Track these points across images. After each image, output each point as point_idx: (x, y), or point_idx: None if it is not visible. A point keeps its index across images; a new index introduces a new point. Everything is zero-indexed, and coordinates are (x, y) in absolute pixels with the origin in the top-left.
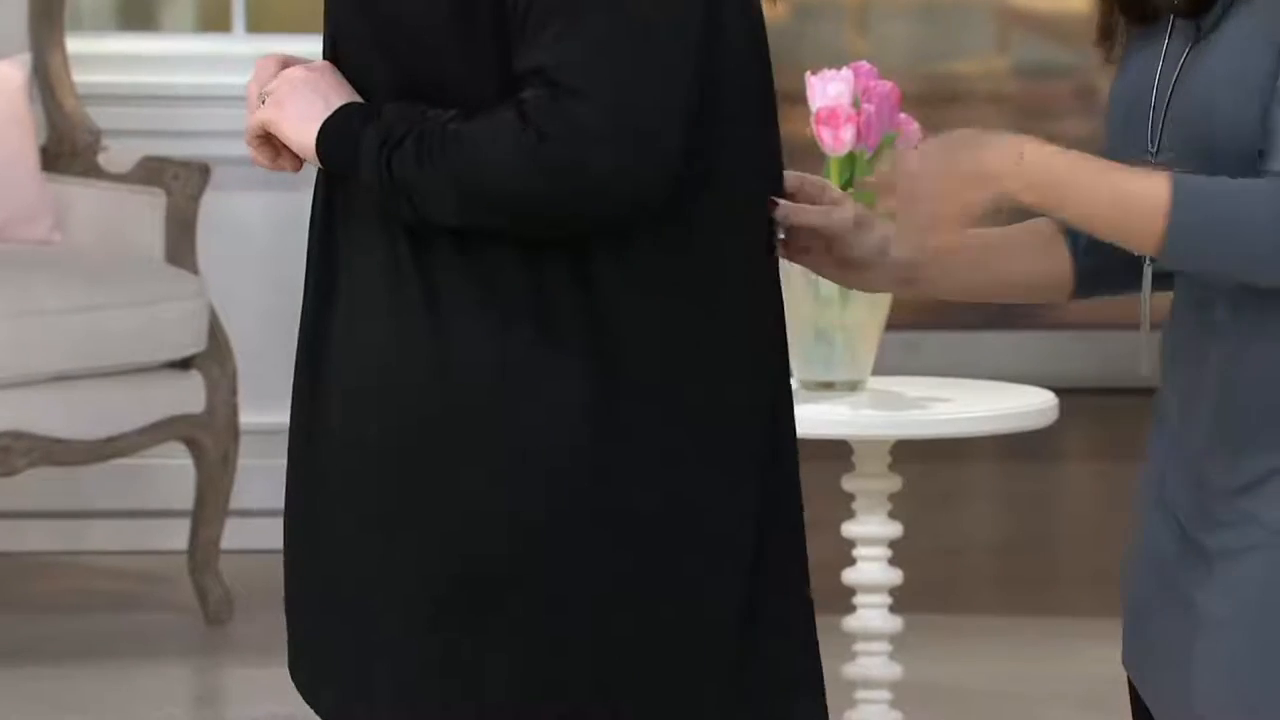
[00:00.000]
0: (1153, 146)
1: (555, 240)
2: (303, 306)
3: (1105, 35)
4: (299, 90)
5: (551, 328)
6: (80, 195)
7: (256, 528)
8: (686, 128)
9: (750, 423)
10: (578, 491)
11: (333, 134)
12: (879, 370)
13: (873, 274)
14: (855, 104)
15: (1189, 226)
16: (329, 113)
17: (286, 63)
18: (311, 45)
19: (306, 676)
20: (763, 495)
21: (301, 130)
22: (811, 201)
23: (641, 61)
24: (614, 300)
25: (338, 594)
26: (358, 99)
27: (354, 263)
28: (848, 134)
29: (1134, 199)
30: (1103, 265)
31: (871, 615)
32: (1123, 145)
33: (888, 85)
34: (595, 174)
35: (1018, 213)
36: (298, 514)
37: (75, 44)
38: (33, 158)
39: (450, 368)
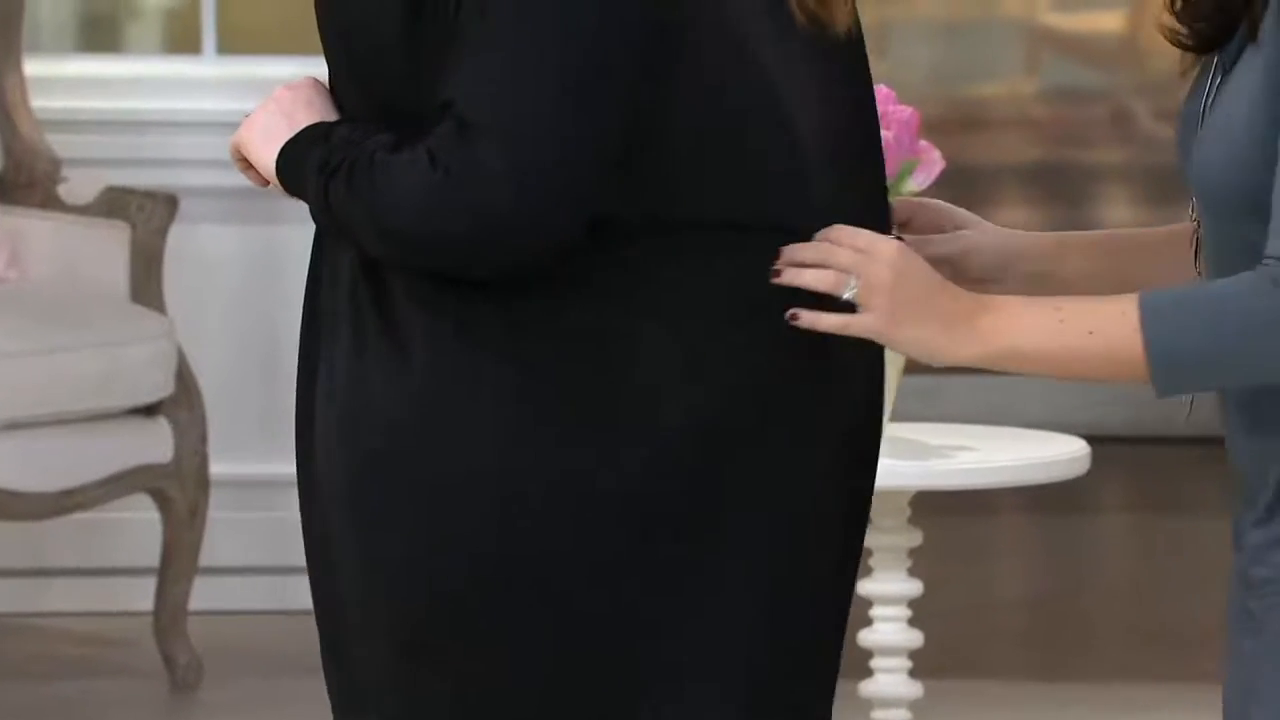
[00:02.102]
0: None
1: (482, 278)
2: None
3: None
4: (268, 109)
5: (482, 373)
6: (38, 228)
7: (227, 587)
8: (605, 166)
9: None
10: (508, 538)
11: (288, 157)
12: (898, 416)
13: (999, 286)
14: None
15: (1169, 346)
16: (292, 133)
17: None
18: (286, 68)
19: None
20: (745, 555)
21: (264, 152)
22: (934, 228)
23: (552, 98)
24: (544, 341)
25: (321, 638)
26: (328, 118)
27: (330, 292)
28: None
29: (1102, 333)
30: None
31: (890, 680)
32: (1184, 177)
33: (908, 110)
34: (498, 215)
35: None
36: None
37: (33, 66)
38: None
39: (378, 408)
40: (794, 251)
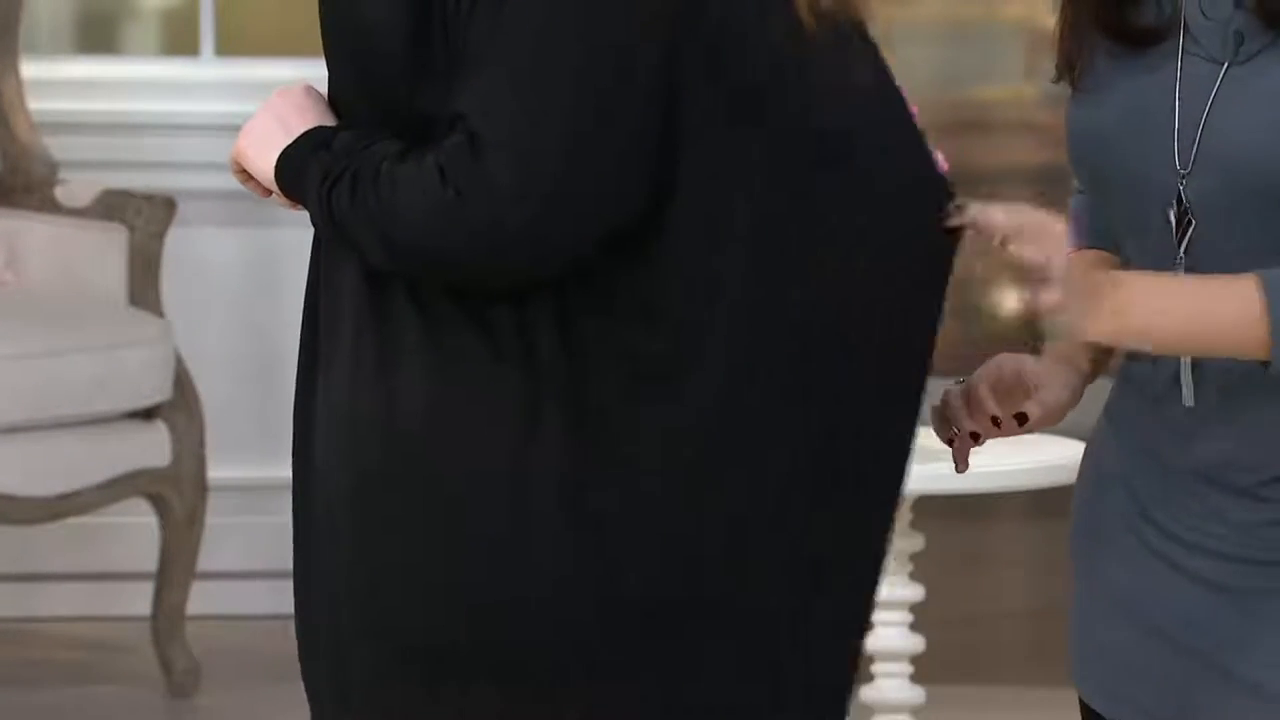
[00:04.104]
0: (1182, 168)
1: (490, 291)
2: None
3: (1070, 66)
4: (263, 116)
5: (490, 381)
6: (35, 231)
7: (226, 591)
8: (620, 182)
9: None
10: (516, 544)
11: (287, 164)
12: None
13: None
14: None
15: None
16: (289, 140)
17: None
18: (284, 70)
19: None
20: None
21: (260, 160)
22: (1015, 382)
23: (566, 115)
24: (552, 346)
25: (305, 656)
26: (325, 122)
27: (330, 296)
28: None
29: (1226, 313)
30: None
31: (891, 686)
32: (1117, 171)
33: None
34: (507, 232)
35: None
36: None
37: (30, 68)
38: None
39: (381, 413)
40: (1017, 218)
